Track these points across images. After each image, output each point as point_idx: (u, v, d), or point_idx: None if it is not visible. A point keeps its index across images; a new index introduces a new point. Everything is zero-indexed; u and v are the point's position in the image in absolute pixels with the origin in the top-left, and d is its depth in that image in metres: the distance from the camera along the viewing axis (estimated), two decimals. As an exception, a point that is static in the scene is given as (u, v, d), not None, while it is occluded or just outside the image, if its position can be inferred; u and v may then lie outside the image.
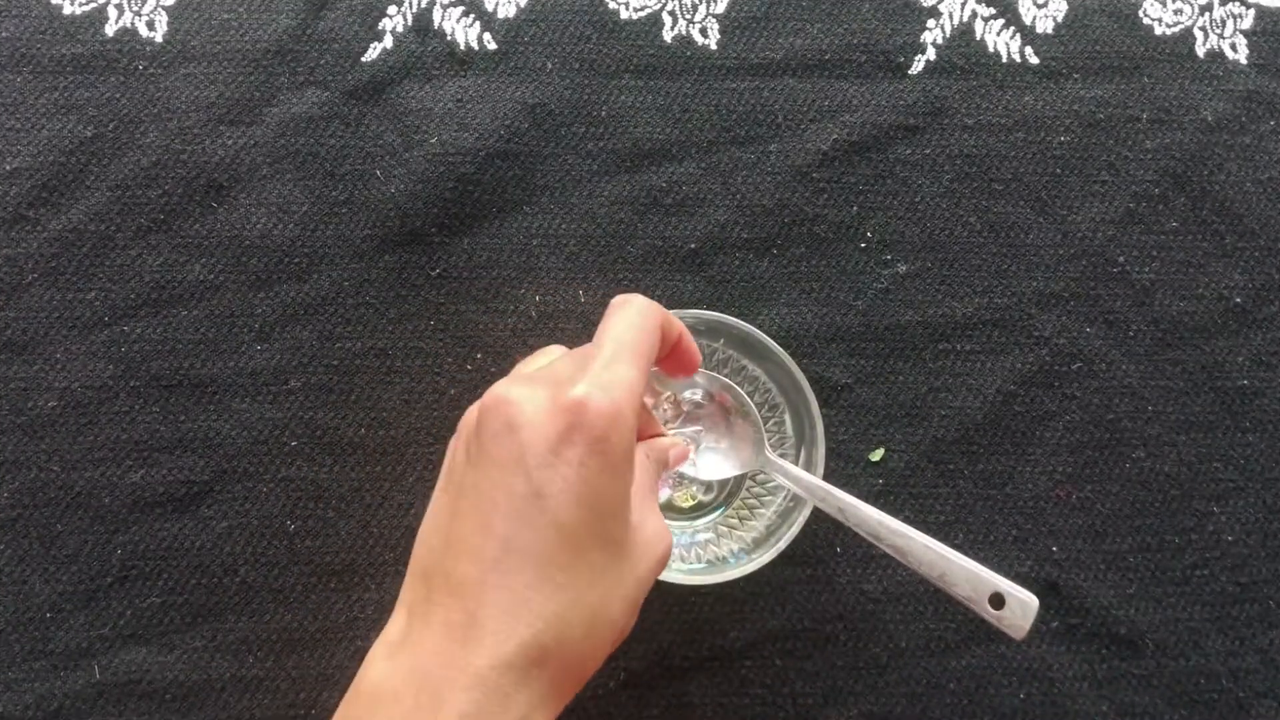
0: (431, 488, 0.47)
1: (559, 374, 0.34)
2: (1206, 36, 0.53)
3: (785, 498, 0.46)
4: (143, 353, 0.48)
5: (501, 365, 0.49)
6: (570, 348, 0.39)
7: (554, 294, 0.49)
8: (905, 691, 0.47)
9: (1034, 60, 0.52)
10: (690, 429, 0.45)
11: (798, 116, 0.51)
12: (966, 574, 0.38)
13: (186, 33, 0.50)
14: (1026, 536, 0.48)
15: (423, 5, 0.51)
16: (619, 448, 0.32)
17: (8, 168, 0.49)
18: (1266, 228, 0.51)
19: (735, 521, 0.47)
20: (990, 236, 0.51)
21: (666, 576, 0.42)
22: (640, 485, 0.35)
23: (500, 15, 0.51)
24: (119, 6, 0.51)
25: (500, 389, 0.33)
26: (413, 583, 0.34)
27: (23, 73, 0.50)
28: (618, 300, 0.36)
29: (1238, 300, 0.50)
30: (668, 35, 0.52)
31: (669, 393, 0.46)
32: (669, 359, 0.39)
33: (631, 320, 0.35)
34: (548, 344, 0.40)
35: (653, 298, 0.49)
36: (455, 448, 0.36)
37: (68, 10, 0.50)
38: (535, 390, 0.33)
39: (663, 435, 0.41)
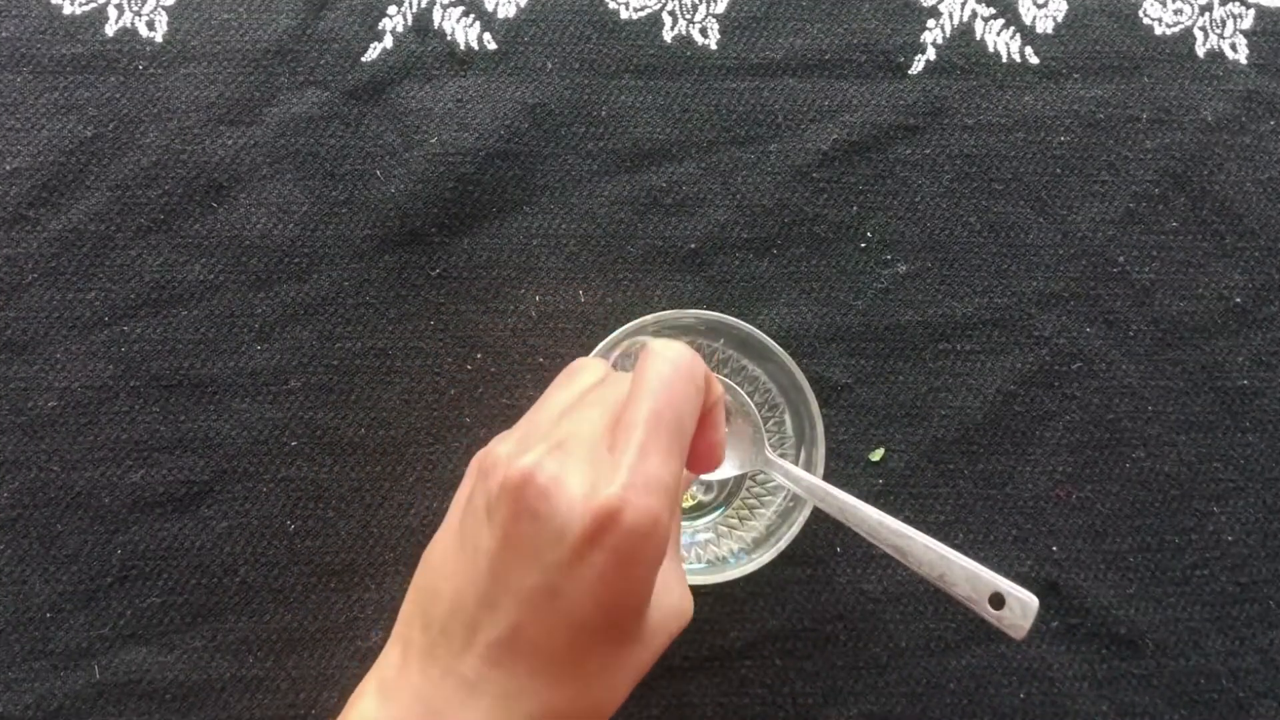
0: (432, 488, 0.48)
1: (593, 439, 0.31)
2: (1206, 36, 0.53)
3: (785, 498, 0.46)
4: (143, 353, 0.48)
5: (501, 365, 0.49)
6: (579, 354, 0.37)
7: (554, 294, 0.49)
8: (905, 691, 0.47)
9: (1034, 60, 0.52)
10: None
11: (798, 116, 0.51)
12: (966, 574, 0.38)
13: (186, 33, 0.50)
14: (1026, 536, 0.48)
15: (423, 5, 0.51)
16: (650, 558, 0.30)
17: (8, 168, 0.49)
18: (1266, 228, 0.51)
19: (735, 521, 0.47)
20: (990, 236, 0.51)
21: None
22: (670, 545, 0.32)
23: (500, 15, 0.51)
24: (119, 6, 0.51)
25: (531, 460, 0.30)
26: (412, 620, 0.33)
27: (23, 73, 0.50)
28: (655, 350, 0.32)
29: (1238, 300, 0.50)
30: (668, 35, 0.52)
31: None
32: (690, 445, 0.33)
33: (671, 387, 0.32)
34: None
35: (652, 298, 0.50)
36: (474, 490, 0.33)
37: (68, 10, 0.50)
38: (566, 470, 0.30)
39: None
